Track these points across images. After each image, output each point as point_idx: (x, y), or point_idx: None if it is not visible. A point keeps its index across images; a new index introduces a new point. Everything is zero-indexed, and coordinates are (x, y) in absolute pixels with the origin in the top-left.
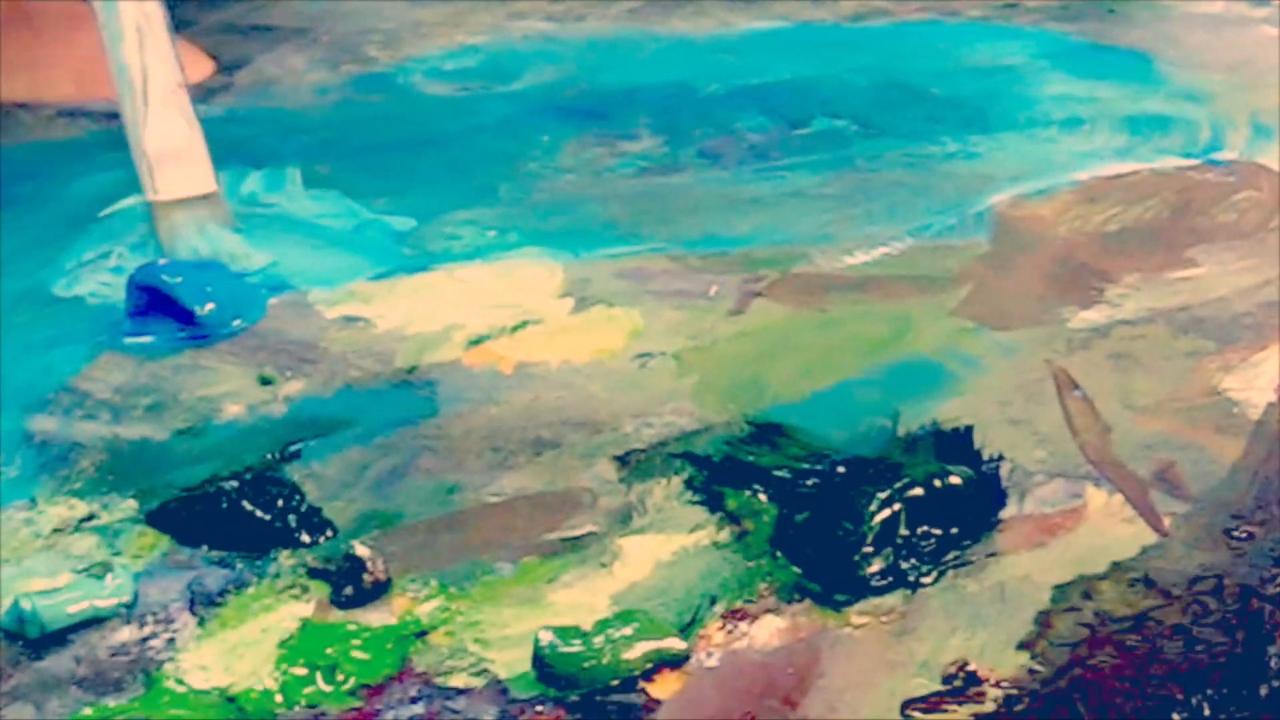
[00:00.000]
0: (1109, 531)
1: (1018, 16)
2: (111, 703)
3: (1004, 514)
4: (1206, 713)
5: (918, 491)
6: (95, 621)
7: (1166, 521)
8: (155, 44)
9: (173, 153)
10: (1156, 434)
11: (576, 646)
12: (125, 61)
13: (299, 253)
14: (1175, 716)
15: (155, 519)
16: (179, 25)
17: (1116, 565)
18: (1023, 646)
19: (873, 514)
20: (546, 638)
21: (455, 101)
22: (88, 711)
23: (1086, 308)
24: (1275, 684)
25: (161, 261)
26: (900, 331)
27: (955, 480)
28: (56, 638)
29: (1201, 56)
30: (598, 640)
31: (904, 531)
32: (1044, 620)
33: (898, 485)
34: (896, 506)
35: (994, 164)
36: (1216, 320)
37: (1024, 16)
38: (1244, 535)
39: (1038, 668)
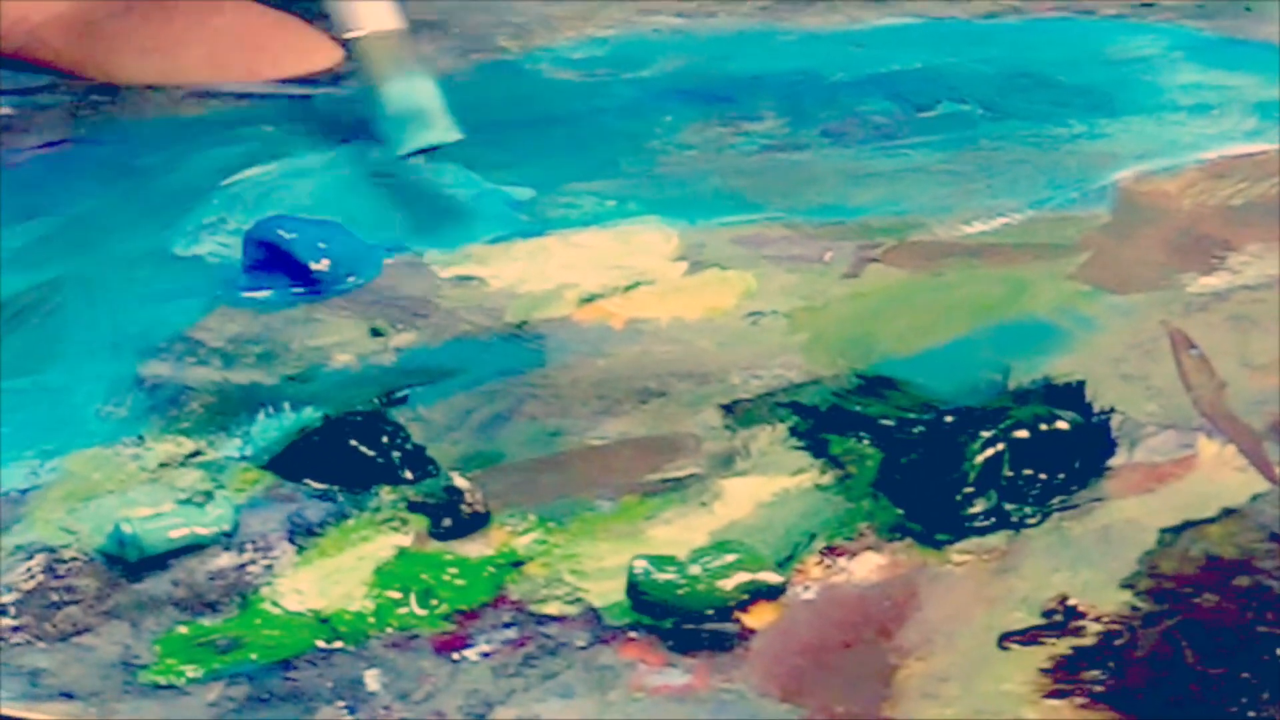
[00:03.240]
0: (1219, 479)
1: (1153, 15)
2: (206, 622)
3: (1113, 463)
4: None
5: (1022, 434)
6: (194, 548)
7: (1279, 471)
8: None
9: None
10: (1273, 390)
11: (671, 574)
12: None
13: (417, 218)
14: (1279, 652)
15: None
16: (311, 16)
17: (1226, 511)
18: (1126, 585)
19: (975, 452)
20: (641, 565)
21: (581, 86)
22: (182, 630)
23: (1207, 274)
24: None
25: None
26: (1015, 294)
27: (1062, 425)
28: (156, 562)
29: None
30: (693, 569)
31: (1008, 473)
32: (1149, 561)
33: (1002, 425)
34: (1000, 446)
35: (1120, 144)
36: None
37: (1159, 14)
38: None
39: (1140, 604)
